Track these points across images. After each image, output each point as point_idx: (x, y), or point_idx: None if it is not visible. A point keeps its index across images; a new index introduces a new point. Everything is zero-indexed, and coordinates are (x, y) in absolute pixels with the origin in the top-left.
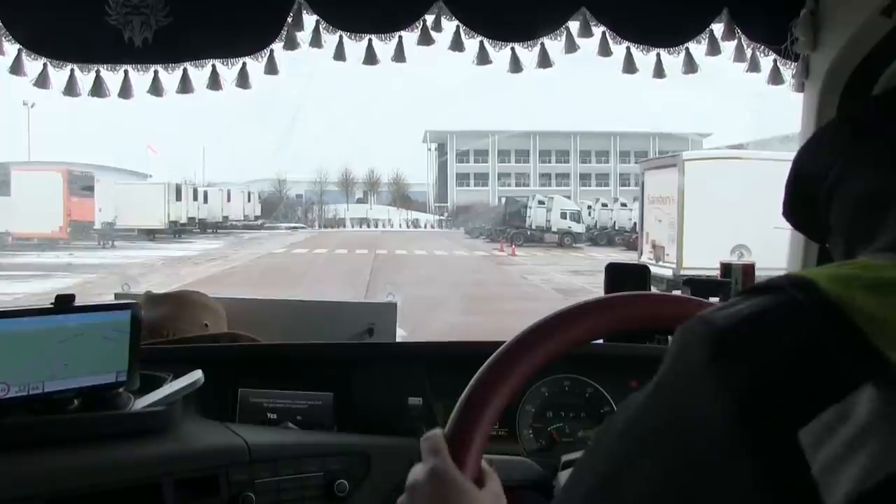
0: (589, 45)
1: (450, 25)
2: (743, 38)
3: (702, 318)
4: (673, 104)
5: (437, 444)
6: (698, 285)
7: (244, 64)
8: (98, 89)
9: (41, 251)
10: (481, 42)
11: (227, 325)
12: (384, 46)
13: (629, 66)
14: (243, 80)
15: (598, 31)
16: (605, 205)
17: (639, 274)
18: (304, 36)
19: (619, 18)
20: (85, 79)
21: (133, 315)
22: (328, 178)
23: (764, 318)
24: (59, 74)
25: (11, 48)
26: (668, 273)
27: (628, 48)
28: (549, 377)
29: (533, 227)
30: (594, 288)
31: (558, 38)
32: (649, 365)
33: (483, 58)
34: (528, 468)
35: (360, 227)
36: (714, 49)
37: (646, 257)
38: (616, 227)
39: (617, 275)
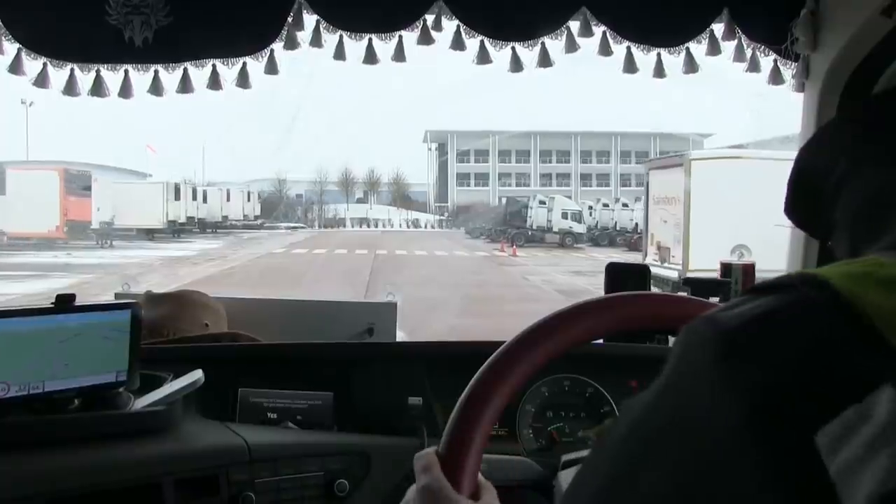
0: (589, 45)
1: (450, 25)
2: (743, 37)
3: (708, 317)
4: (673, 104)
5: (428, 462)
6: (698, 285)
7: (244, 64)
8: (98, 89)
9: (38, 251)
10: (482, 41)
11: (228, 324)
12: (384, 46)
13: (629, 66)
14: (243, 80)
15: (598, 30)
16: (606, 205)
17: (639, 274)
18: (304, 35)
19: (620, 18)
20: (85, 78)
21: (133, 315)
22: (328, 178)
23: (775, 318)
24: (58, 74)
25: (11, 47)
26: (674, 275)
27: (629, 48)
28: (549, 377)
29: (534, 227)
30: (596, 289)
31: (559, 38)
32: (649, 365)
33: (483, 57)
34: (528, 468)
35: (360, 227)
36: (714, 49)
37: (650, 259)
38: (617, 228)
39: (617, 275)
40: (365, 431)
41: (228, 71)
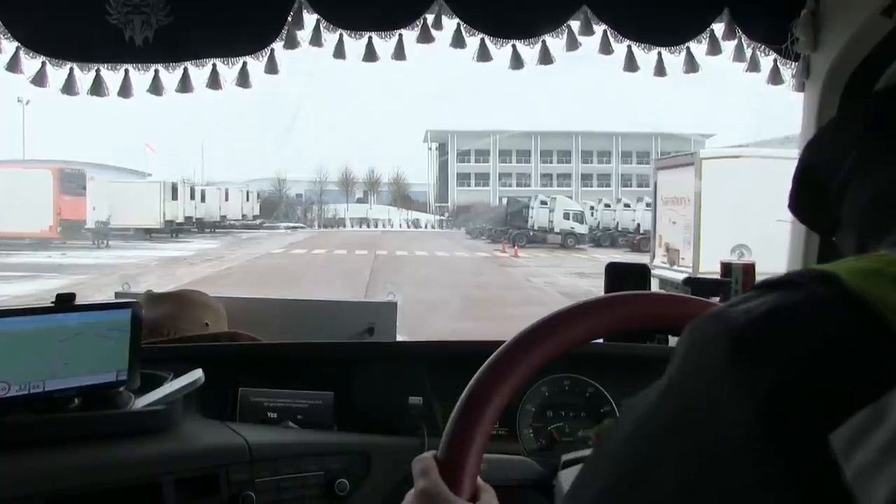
0: (590, 44)
1: (450, 24)
2: (743, 37)
3: (714, 314)
4: (674, 105)
5: (426, 465)
6: (698, 285)
7: (244, 63)
8: (98, 88)
9: (33, 251)
10: (482, 39)
11: (228, 324)
12: (384, 44)
13: (630, 65)
14: (243, 80)
15: (598, 29)
16: (607, 205)
17: (639, 273)
18: (304, 35)
19: (620, 17)
20: (84, 77)
21: (133, 314)
22: (328, 178)
23: (784, 314)
24: (57, 72)
25: (9, 45)
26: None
27: (629, 47)
28: (549, 377)
29: (535, 227)
30: (601, 292)
31: (559, 36)
32: (649, 365)
33: (484, 55)
34: (528, 468)
35: (360, 227)
36: (714, 48)
37: (659, 261)
38: (619, 228)
39: (617, 274)
40: (365, 431)
41: (228, 70)
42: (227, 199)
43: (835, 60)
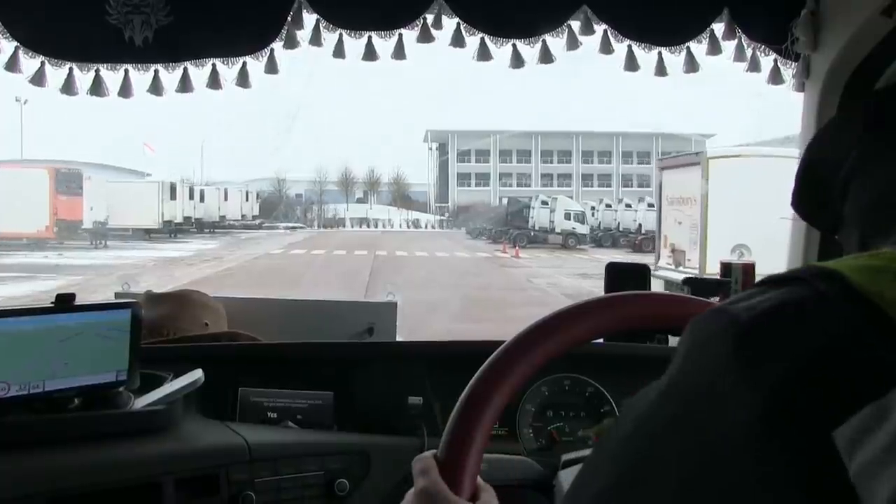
0: (590, 43)
1: (450, 23)
2: (743, 37)
3: (717, 311)
4: (674, 105)
5: (426, 465)
6: (698, 284)
7: (244, 63)
8: (97, 88)
9: (30, 251)
10: (482, 39)
11: (228, 324)
12: (384, 44)
13: (630, 64)
14: (243, 80)
15: (599, 28)
16: (608, 206)
17: (639, 273)
18: (304, 35)
19: (620, 17)
20: (84, 77)
21: (133, 314)
22: (328, 178)
23: (788, 311)
24: (56, 72)
25: (8, 45)
26: None
27: (629, 46)
28: (549, 377)
29: (536, 227)
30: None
31: (559, 36)
32: (649, 365)
33: (484, 54)
34: (528, 467)
35: (360, 227)
36: (714, 48)
37: (664, 262)
38: (620, 229)
39: (617, 274)
40: (365, 431)
41: (228, 70)
42: (226, 199)
43: (835, 60)
